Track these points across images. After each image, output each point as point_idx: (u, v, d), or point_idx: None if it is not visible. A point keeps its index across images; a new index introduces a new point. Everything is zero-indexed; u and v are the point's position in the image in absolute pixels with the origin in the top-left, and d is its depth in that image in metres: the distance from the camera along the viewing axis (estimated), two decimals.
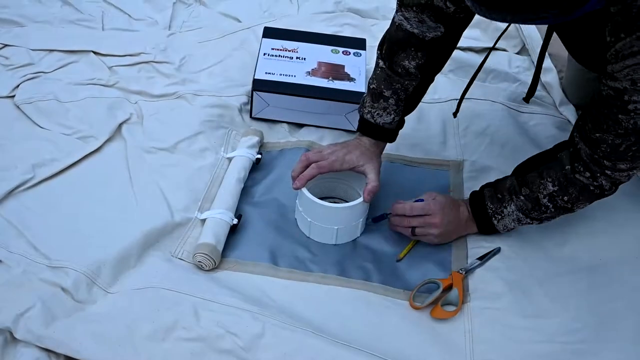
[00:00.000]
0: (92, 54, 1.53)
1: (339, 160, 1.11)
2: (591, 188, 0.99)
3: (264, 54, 1.44)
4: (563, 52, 1.58)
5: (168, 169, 1.23)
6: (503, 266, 1.07)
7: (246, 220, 1.16)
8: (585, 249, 1.11)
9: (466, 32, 1.69)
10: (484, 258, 1.08)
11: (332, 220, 1.09)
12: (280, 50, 1.45)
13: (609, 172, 0.96)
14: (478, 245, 1.11)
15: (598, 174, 0.97)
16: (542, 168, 1.04)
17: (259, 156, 1.28)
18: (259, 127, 1.36)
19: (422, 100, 1.44)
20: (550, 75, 1.54)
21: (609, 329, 0.97)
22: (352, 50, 1.47)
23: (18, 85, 1.40)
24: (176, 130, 1.31)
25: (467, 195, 1.20)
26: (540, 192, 1.02)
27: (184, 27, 1.71)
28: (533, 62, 1.60)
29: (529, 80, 1.54)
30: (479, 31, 1.72)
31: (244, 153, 1.26)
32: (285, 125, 1.39)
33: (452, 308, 1.01)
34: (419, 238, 1.11)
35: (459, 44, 1.59)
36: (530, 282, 1.05)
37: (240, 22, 1.75)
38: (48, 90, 1.39)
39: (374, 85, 1.14)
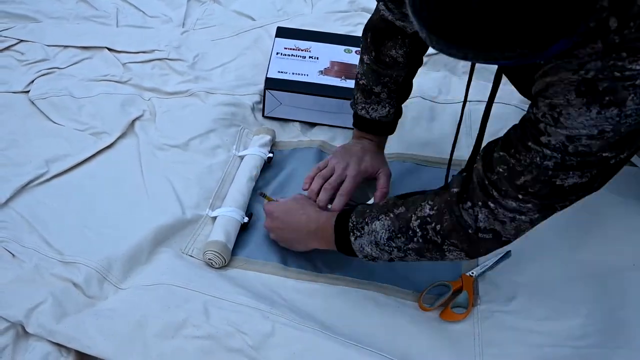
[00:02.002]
0: (106, 50, 1.53)
1: (358, 173, 1.10)
2: (466, 223, 0.84)
3: (277, 54, 1.44)
4: None
5: (180, 166, 1.24)
6: (514, 269, 1.07)
7: (257, 219, 1.16)
8: (599, 254, 1.10)
9: None
10: (494, 261, 1.08)
11: None
12: (293, 49, 1.45)
13: (492, 205, 0.82)
14: None
15: (479, 204, 0.83)
16: (430, 191, 0.92)
17: (271, 155, 1.28)
18: (271, 126, 1.36)
19: (435, 100, 1.45)
20: None
21: (619, 335, 0.97)
22: None
23: (33, 81, 1.41)
24: (188, 127, 1.32)
25: None
26: (415, 213, 0.89)
27: (197, 25, 1.71)
28: None
29: None
30: None
31: (255, 151, 1.26)
32: (297, 124, 1.39)
33: (461, 310, 1.00)
34: None
35: None
36: (540, 286, 1.04)
37: (254, 20, 1.75)
38: (62, 86, 1.40)
39: (363, 81, 1.13)
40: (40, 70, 1.44)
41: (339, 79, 1.38)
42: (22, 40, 1.53)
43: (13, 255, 1.03)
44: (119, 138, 1.29)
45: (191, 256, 1.08)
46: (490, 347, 0.95)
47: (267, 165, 1.28)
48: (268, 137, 1.30)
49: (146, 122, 1.34)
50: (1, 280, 0.98)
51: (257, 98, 1.43)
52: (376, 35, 1.08)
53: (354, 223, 0.95)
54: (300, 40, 1.48)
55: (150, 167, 1.23)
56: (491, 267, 1.07)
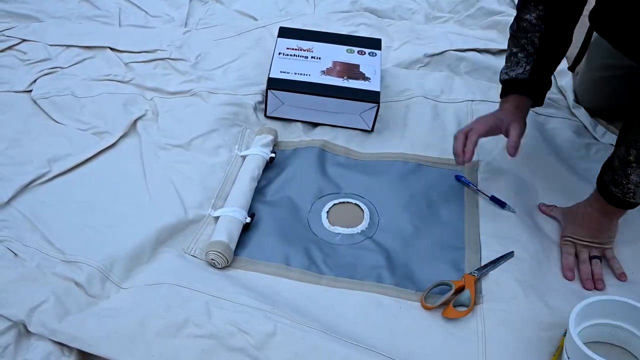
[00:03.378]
0: (108, 50, 1.54)
1: (485, 124, 1.16)
2: None
3: (279, 54, 1.44)
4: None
5: (182, 165, 1.24)
6: (517, 269, 1.06)
7: (259, 219, 1.16)
8: None
9: (482, 34, 1.71)
10: (497, 261, 1.07)
11: None
12: (296, 49, 1.45)
13: None
14: (491, 249, 1.10)
15: None
16: None
17: (273, 155, 1.28)
18: (273, 126, 1.36)
19: (438, 99, 1.45)
20: (565, 79, 1.53)
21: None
22: (367, 50, 1.47)
23: (35, 80, 1.42)
24: (191, 127, 1.32)
25: (482, 198, 1.20)
26: None
27: (200, 25, 1.72)
28: None
29: None
30: (495, 33, 1.72)
31: (258, 151, 1.26)
32: (299, 124, 1.39)
33: (464, 309, 1.00)
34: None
35: (476, 46, 1.62)
36: (544, 285, 1.04)
37: (256, 20, 1.75)
38: (64, 85, 1.40)
39: (507, 52, 1.21)
40: (43, 70, 1.44)
41: (341, 79, 1.38)
42: (24, 40, 1.54)
43: (15, 254, 1.03)
44: (121, 138, 1.30)
45: (194, 256, 1.08)
46: (494, 344, 0.95)
47: (269, 165, 1.28)
48: (270, 137, 1.30)
49: (148, 122, 1.34)
50: (3, 279, 0.98)
51: (259, 98, 1.42)
52: (516, 12, 1.20)
53: (620, 193, 1.02)
54: (302, 41, 1.48)
55: (152, 166, 1.23)
56: (494, 267, 1.06)
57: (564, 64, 1.56)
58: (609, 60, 1.35)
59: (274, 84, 1.36)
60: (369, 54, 1.46)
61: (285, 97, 1.36)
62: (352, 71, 1.41)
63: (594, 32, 1.29)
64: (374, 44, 1.50)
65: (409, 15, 1.81)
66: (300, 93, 1.35)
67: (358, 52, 1.47)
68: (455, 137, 1.16)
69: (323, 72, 1.40)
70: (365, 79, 1.39)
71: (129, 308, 0.95)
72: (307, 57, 1.43)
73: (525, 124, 1.18)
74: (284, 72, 1.39)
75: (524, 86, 1.18)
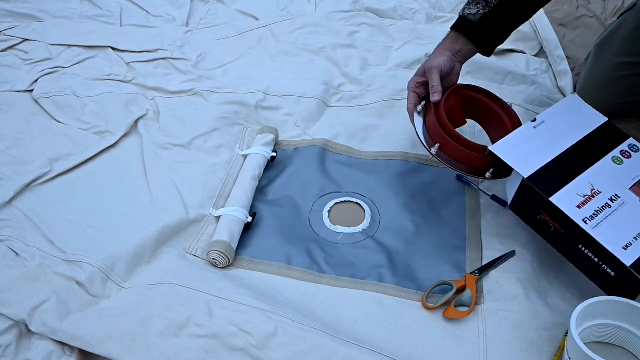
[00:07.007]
0: (110, 49, 1.54)
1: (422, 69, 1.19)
2: None
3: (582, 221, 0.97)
4: (580, 55, 1.57)
5: (183, 165, 1.24)
6: (518, 268, 1.06)
7: (260, 219, 1.16)
8: None
9: None
10: (498, 261, 1.07)
11: None
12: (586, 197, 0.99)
13: None
14: (493, 249, 1.10)
15: None
16: None
17: (274, 154, 1.28)
18: (273, 125, 1.36)
19: None
20: (565, 79, 1.53)
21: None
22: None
23: (36, 80, 1.42)
24: (192, 126, 1.32)
25: (483, 198, 1.19)
26: None
27: (201, 24, 1.72)
28: (551, 64, 1.58)
29: (547, 82, 1.53)
30: None
31: (259, 151, 1.26)
32: (300, 123, 1.39)
33: (465, 309, 1.00)
34: None
35: None
36: (545, 285, 1.04)
37: (257, 20, 1.75)
38: (66, 85, 1.40)
39: None
40: (44, 70, 1.45)
41: None
42: (26, 40, 1.54)
43: (17, 253, 1.03)
44: (122, 137, 1.30)
45: (195, 256, 1.08)
46: (496, 345, 0.95)
47: (270, 164, 1.28)
48: (271, 136, 1.30)
49: (149, 122, 1.34)
50: (5, 278, 0.98)
51: (260, 97, 1.42)
52: None
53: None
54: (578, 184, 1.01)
55: (153, 166, 1.23)
56: (495, 267, 1.06)
57: (564, 65, 1.56)
58: (630, 58, 1.32)
59: None
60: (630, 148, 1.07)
61: None
62: None
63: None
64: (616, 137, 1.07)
65: (411, 15, 1.81)
66: None
67: (622, 153, 1.06)
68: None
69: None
70: None
71: (131, 308, 0.95)
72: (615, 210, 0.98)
73: (451, 61, 1.18)
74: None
75: (468, 28, 1.15)
